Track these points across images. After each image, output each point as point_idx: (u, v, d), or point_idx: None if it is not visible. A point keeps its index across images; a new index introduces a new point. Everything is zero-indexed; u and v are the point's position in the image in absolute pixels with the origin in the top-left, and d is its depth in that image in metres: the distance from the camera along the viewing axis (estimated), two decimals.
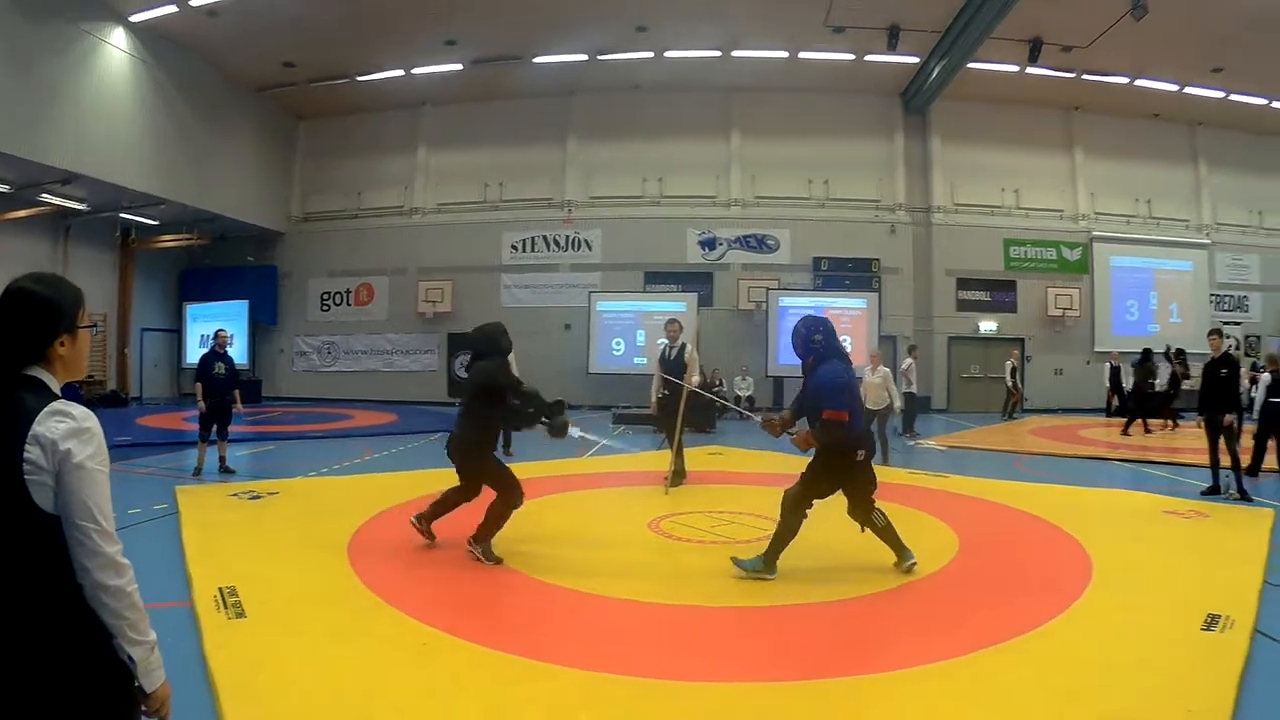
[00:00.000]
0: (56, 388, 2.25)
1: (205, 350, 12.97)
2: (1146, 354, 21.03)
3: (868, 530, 6.90)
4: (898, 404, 14.66)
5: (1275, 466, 12.67)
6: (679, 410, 11.15)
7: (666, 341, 12.07)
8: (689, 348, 11.81)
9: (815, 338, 6.90)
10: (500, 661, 4.88)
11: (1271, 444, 11.97)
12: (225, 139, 26.98)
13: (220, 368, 12.60)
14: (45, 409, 2.13)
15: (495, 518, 7.12)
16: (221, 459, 12.56)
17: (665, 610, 5.98)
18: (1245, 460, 11.52)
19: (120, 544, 2.16)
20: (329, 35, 24.32)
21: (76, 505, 2.09)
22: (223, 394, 12.57)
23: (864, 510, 6.86)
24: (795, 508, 6.73)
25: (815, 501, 6.78)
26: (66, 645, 2.09)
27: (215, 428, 12.47)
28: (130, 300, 27.71)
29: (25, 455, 2.06)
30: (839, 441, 6.68)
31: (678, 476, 11.25)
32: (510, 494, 7.17)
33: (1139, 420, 20.13)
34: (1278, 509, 9.85)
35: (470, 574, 6.75)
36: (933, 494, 10.96)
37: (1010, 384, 24.54)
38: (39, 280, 2.31)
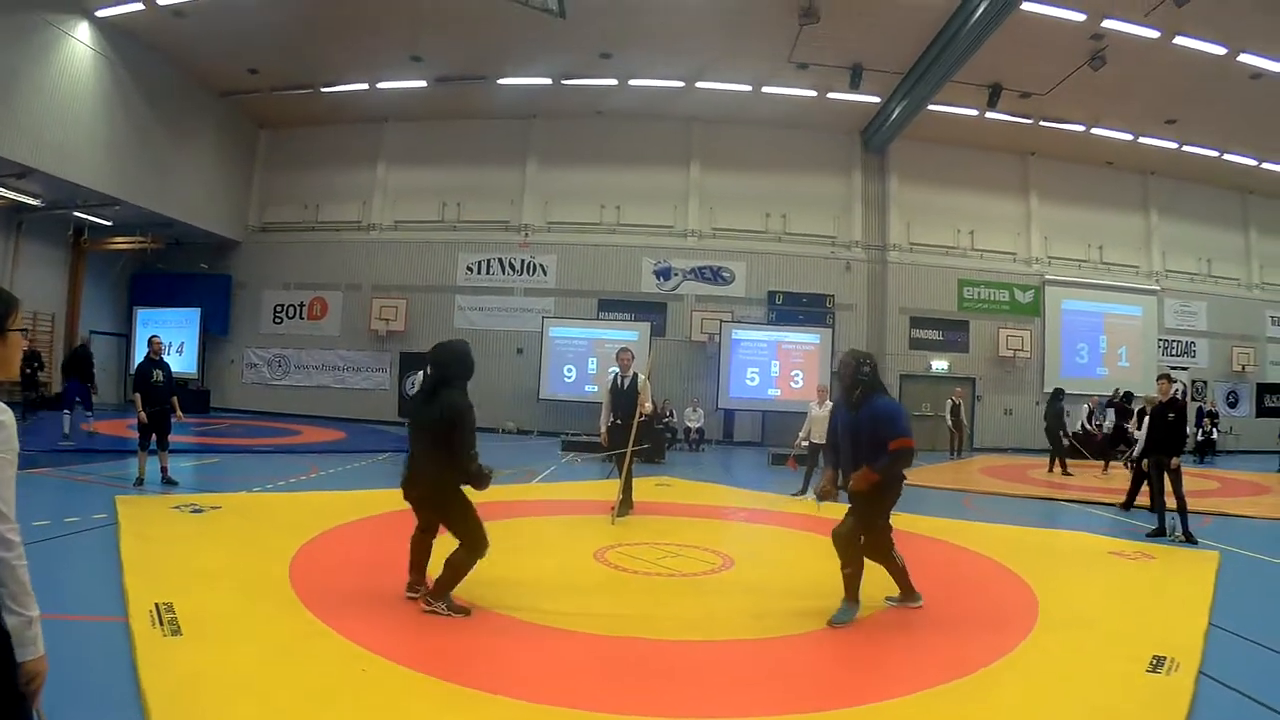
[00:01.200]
0: None
1: (141, 358, 12.74)
2: (1057, 393, 21.22)
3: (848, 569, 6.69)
4: None
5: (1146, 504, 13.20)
6: (629, 440, 11.11)
7: (618, 370, 11.98)
8: (641, 377, 11.76)
9: (864, 368, 6.78)
10: (440, 690, 4.81)
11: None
12: (185, 142, 26.71)
13: (158, 375, 12.31)
14: None
15: (458, 568, 6.35)
16: (163, 470, 12.23)
17: (608, 642, 5.91)
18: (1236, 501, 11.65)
19: (13, 524, 2.37)
20: (295, 44, 24.20)
21: None
22: (161, 402, 12.29)
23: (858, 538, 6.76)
24: (851, 545, 6.62)
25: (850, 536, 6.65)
26: None
27: (155, 437, 12.22)
28: (79, 301, 27.26)
29: None
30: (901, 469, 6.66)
31: (625, 506, 11.17)
32: (478, 544, 6.41)
33: (1057, 460, 20.35)
34: (1223, 552, 9.98)
35: (413, 599, 6.63)
36: None
37: (950, 423, 24.83)
38: None
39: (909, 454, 6.49)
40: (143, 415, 12.02)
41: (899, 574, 6.99)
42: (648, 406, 11.63)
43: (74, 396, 17.02)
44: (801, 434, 14.82)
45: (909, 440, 6.49)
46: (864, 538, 6.74)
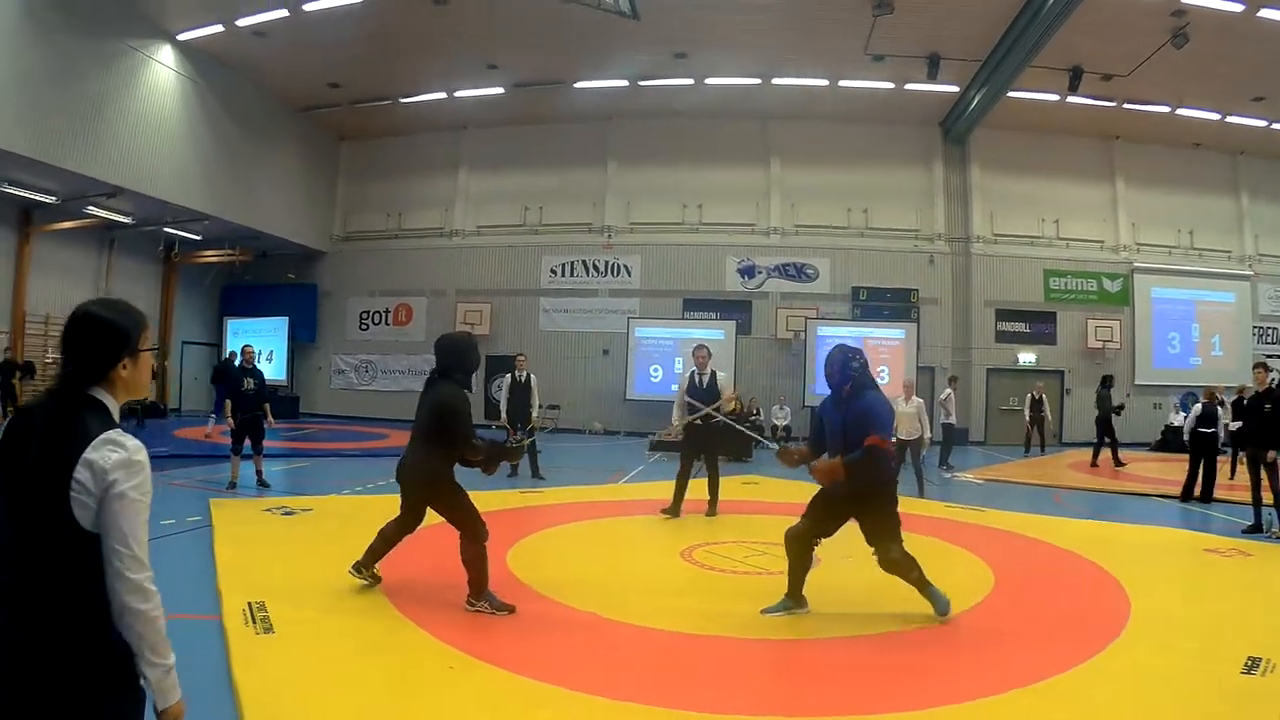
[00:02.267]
0: (116, 410, 2.41)
1: (235, 366, 13.11)
2: (1105, 380, 20.70)
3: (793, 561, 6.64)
4: (928, 435, 14.46)
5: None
6: (709, 439, 11.21)
7: (695, 369, 11.71)
8: (721, 375, 11.57)
9: (854, 364, 6.58)
10: (525, 687, 4.86)
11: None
12: (269, 157, 27.36)
13: (249, 383, 12.69)
14: (101, 436, 2.26)
15: (476, 563, 6.42)
16: (258, 473, 12.65)
17: (694, 640, 5.92)
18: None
19: (149, 571, 2.28)
20: (373, 57, 24.59)
21: (114, 530, 2.22)
22: (253, 409, 12.64)
23: (810, 539, 6.64)
24: (904, 561, 6.44)
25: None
26: (80, 649, 2.22)
27: (249, 442, 12.56)
28: (172, 313, 28.13)
29: (75, 475, 2.20)
30: (884, 473, 6.43)
31: (711, 506, 11.27)
32: (474, 530, 6.48)
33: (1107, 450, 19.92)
34: None
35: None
36: (968, 528, 10.85)
37: (1028, 417, 23.91)
38: (105, 305, 2.52)
39: (882, 455, 6.26)
40: (231, 421, 12.40)
41: (798, 574, 6.67)
42: (730, 403, 11.42)
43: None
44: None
45: (884, 441, 6.31)
46: (805, 525, 6.62)
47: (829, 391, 6.74)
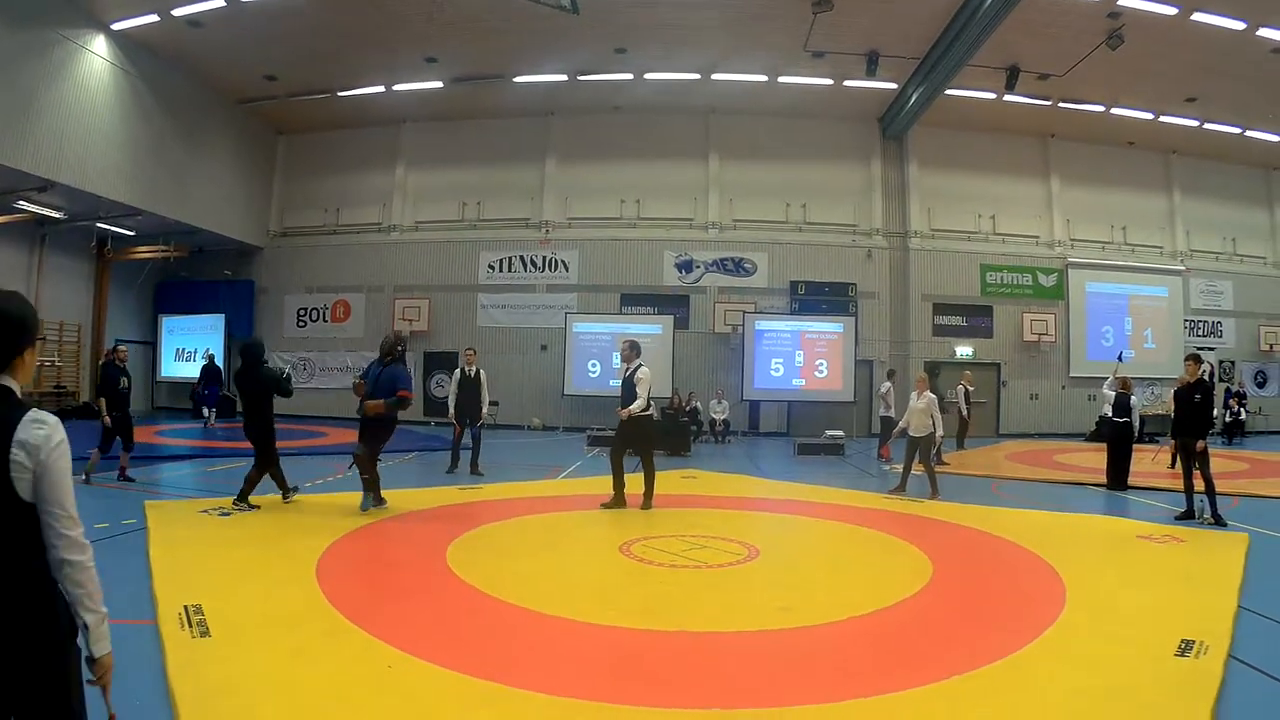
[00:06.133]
0: (20, 393, 2.59)
1: (105, 363, 13.52)
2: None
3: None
4: (939, 433, 13.78)
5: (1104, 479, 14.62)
6: (628, 432, 11.38)
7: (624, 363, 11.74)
8: (641, 369, 11.47)
9: (398, 348, 10.88)
10: (465, 685, 4.81)
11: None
12: (204, 151, 26.90)
13: (124, 381, 12.96)
14: (26, 417, 2.48)
15: (249, 480, 10.61)
16: (122, 469, 12.73)
17: (632, 634, 5.90)
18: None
19: (82, 527, 2.52)
20: (311, 49, 24.28)
21: (50, 497, 2.46)
22: (124, 407, 12.88)
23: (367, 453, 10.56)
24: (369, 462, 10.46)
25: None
26: (33, 605, 2.43)
27: (120, 440, 12.75)
28: (105, 311, 27.55)
29: (11, 456, 2.41)
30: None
31: (618, 503, 11.24)
32: (264, 464, 10.84)
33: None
34: (1252, 533, 9.89)
35: (437, 595, 6.67)
36: (907, 519, 10.95)
37: (965, 411, 22.67)
38: (5, 298, 2.64)
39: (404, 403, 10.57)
40: (107, 419, 12.61)
41: (372, 483, 10.46)
42: (638, 405, 11.29)
43: (215, 399, 18.19)
44: (900, 424, 14.33)
45: (411, 394, 10.79)
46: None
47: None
